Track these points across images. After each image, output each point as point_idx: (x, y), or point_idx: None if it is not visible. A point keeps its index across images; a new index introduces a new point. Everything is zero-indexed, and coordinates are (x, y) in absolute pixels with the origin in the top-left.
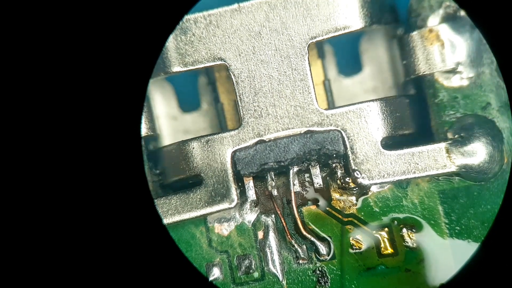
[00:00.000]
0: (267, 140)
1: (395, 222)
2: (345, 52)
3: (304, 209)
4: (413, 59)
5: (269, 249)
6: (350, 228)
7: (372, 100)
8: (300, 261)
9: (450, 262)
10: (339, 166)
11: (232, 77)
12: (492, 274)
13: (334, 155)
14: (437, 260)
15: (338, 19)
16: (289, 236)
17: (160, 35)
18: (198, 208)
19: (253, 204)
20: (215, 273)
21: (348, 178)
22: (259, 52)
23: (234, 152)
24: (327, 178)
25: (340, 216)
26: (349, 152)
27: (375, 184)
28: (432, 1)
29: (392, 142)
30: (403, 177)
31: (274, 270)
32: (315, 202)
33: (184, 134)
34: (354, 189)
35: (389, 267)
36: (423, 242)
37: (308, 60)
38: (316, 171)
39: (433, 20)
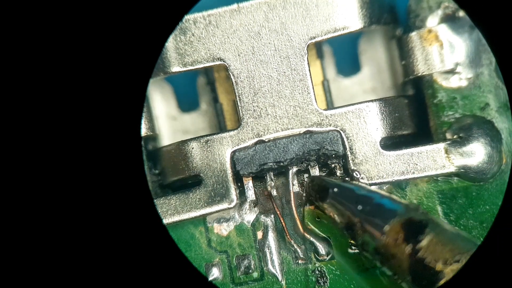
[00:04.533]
0: (266, 140)
1: None
2: (344, 53)
3: (303, 209)
4: (412, 60)
5: (268, 249)
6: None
7: (371, 101)
8: (299, 261)
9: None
10: (338, 167)
11: (232, 77)
12: (491, 274)
13: (333, 156)
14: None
15: (337, 20)
16: (288, 236)
17: (160, 35)
18: (198, 208)
19: (252, 204)
20: (215, 273)
21: (347, 179)
22: (258, 52)
23: (234, 152)
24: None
25: None
26: (348, 153)
27: (374, 184)
28: (431, 1)
29: (391, 143)
30: (402, 177)
31: (273, 270)
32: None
33: (184, 134)
34: None
35: None
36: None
37: (307, 61)
38: (315, 172)
39: (432, 21)
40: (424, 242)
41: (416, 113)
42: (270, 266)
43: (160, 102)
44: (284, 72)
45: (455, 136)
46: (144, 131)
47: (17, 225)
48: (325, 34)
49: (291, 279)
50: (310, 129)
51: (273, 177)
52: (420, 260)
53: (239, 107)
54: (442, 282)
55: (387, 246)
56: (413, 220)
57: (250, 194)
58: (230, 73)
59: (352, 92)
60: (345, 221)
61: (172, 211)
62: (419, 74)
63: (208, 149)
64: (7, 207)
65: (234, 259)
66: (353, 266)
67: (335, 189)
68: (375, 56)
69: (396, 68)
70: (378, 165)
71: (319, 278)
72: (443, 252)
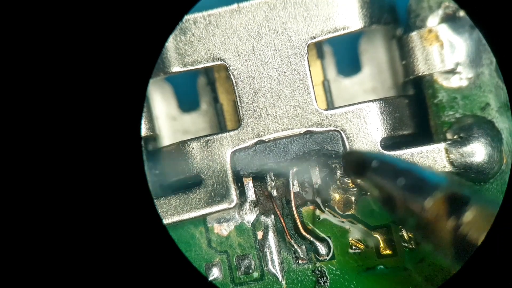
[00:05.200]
0: (266, 140)
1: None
2: (345, 53)
3: (303, 209)
4: (412, 60)
5: (268, 249)
6: (349, 228)
7: (372, 101)
8: (300, 261)
9: (449, 262)
10: (338, 167)
11: (232, 77)
12: (491, 274)
13: (334, 156)
14: (436, 260)
15: (337, 20)
16: (288, 236)
17: (160, 35)
18: (198, 209)
19: (252, 204)
20: (215, 273)
21: (347, 179)
22: (258, 52)
23: (234, 153)
24: (327, 178)
25: (339, 217)
26: None
27: None
28: (431, 1)
29: (391, 143)
30: None
31: (273, 270)
32: (314, 202)
33: (184, 134)
34: (353, 189)
35: (389, 267)
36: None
37: (308, 61)
38: (315, 172)
39: (432, 21)
40: (467, 217)
41: (416, 113)
42: (270, 266)
43: (160, 102)
44: (284, 72)
45: (455, 136)
46: (144, 131)
47: (18, 226)
48: (325, 34)
49: (291, 279)
50: (310, 129)
51: (273, 177)
52: (463, 235)
53: (239, 107)
54: None
55: (429, 221)
56: (456, 194)
57: (250, 194)
58: (230, 73)
59: (353, 92)
60: (384, 196)
61: (172, 211)
62: (420, 74)
63: (208, 149)
64: (8, 208)
65: (234, 259)
66: (353, 266)
67: (375, 163)
68: (375, 56)
69: (397, 68)
70: None
71: (319, 278)
72: (486, 226)
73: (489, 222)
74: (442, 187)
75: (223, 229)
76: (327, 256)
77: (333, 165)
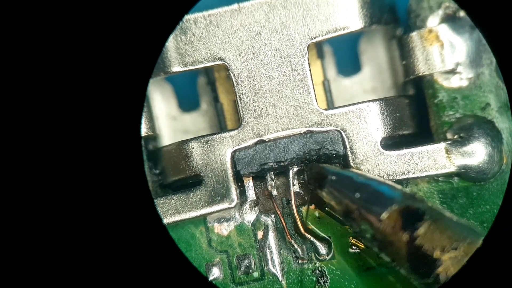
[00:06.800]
0: (267, 140)
1: None
2: (345, 53)
3: (303, 209)
4: (412, 60)
5: (268, 249)
6: (349, 228)
7: (372, 101)
8: (300, 261)
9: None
10: (339, 166)
11: (232, 77)
12: (491, 274)
13: (334, 155)
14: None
15: (337, 20)
16: (288, 236)
17: (160, 35)
18: (198, 208)
19: (252, 204)
20: (215, 273)
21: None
22: (259, 52)
23: (234, 152)
24: None
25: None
26: (349, 152)
27: None
28: (431, 1)
29: (391, 143)
30: (402, 177)
31: (273, 270)
32: (315, 202)
33: (184, 134)
34: None
35: (389, 267)
36: None
37: (308, 60)
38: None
39: (433, 21)
40: (421, 230)
41: (416, 113)
42: (270, 266)
43: (161, 102)
44: (285, 72)
45: (455, 136)
46: (144, 131)
47: (17, 225)
48: (325, 34)
49: (292, 279)
50: (311, 129)
51: (273, 177)
52: (418, 248)
53: (240, 107)
54: (440, 270)
55: (385, 233)
56: (411, 208)
57: (251, 194)
58: (231, 73)
59: (353, 92)
60: (343, 209)
61: (173, 211)
62: (420, 74)
63: (209, 149)
64: (8, 207)
65: (235, 259)
66: (353, 266)
67: (333, 177)
68: (375, 56)
69: (397, 68)
70: (379, 165)
71: (319, 278)
72: (440, 239)
73: (448, 237)
74: (397, 201)
75: (224, 229)
76: (327, 256)
77: (333, 165)
